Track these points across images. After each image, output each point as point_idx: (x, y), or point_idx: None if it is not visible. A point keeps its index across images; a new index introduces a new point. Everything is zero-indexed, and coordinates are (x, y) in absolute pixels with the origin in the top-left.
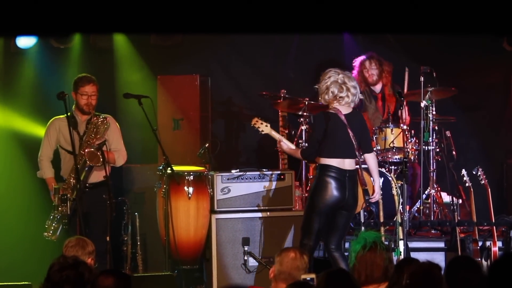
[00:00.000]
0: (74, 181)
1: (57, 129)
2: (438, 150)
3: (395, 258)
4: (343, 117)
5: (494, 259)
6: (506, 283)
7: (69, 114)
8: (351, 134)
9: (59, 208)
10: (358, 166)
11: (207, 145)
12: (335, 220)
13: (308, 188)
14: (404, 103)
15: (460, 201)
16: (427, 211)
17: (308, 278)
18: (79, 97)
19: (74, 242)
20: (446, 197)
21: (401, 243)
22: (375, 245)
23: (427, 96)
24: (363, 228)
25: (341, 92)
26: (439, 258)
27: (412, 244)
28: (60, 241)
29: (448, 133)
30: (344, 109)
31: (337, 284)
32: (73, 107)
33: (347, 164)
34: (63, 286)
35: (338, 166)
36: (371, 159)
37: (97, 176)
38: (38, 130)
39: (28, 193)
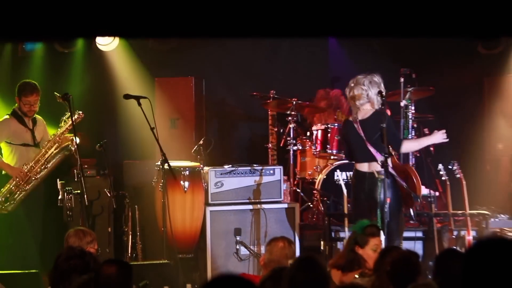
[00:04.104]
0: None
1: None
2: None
3: None
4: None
5: (468, 247)
6: (479, 268)
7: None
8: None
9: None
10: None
11: (201, 142)
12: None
13: (296, 182)
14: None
15: (437, 193)
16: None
17: None
18: (21, 105)
19: (73, 233)
20: (424, 190)
21: (382, 233)
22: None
23: (407, 95)
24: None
25: None
26: (418, 247)
27: None
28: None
29: (426, 130)
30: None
31: (306, 270)
32: (16, 106)
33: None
34: (70, 274)
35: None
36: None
37: None
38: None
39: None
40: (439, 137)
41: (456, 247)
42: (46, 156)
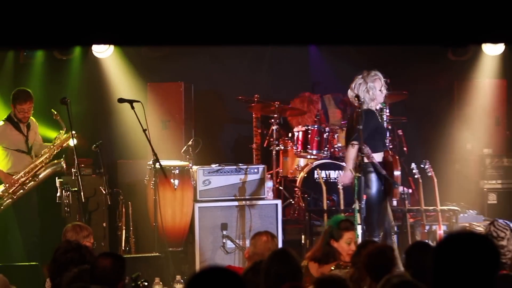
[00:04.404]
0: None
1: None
2: (391, 146)
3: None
4: None
5: (439, 240)
6: (449, 260)
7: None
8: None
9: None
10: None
11: (190, 143)
12: None
13: (278, 180)
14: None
15: (410, 190)
16: None
17: None
18: (16, 112)
19: (70, 228)
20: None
21: (359, 227)
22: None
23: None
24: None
25: None
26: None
27: None
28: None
29: (400, 132)
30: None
31: (279, 262)
32: (11, 112)
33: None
34: (67, 266)
35: None
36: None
37: None
38: (45, 132)
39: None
40: (347, 178)
41: (427, 241)
42: (36, 169)
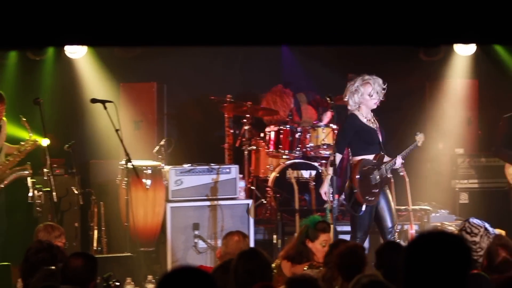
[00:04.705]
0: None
1: None
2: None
3: None
4: None
5: (411, 239)
6: (420, 259)
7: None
8: None
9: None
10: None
11: (162, 143)
12: None
13: (250, 180)
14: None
15: None
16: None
17: None
18: None
19: (42, 228)
20: None
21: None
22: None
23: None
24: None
25: None
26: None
27: (340, 228)
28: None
29: None
30: None
31: (248, 261)
32: None
33: None
34: (39, 266)
35: None
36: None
37: None
38: (20, 133)
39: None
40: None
41: (399, 240)
42: (2, 175)
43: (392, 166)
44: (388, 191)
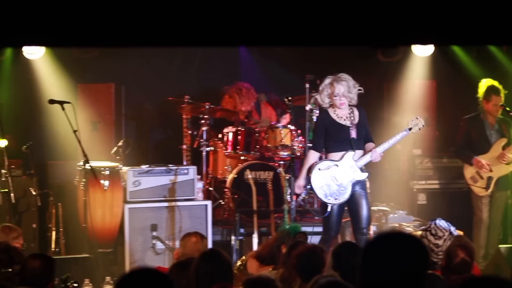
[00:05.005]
0: None
1: None
2: None
3: None
4: None
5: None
6: (378, 259)
7: None
8: None
9: None
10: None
11: (120, 144)
12: None
13: (208, 181)
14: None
15: None
16: (311, 200)
17: None
18: None
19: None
20: None
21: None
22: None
23: (312, 100)
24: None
25: None
26: None
27: None
28: None
29: None
30: None
31: (208, 261)
32: None
33: None
34: None
35: None
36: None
37: None
38: None
39: None
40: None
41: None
42: None
43: (367, 162)
44: (362, 189)
